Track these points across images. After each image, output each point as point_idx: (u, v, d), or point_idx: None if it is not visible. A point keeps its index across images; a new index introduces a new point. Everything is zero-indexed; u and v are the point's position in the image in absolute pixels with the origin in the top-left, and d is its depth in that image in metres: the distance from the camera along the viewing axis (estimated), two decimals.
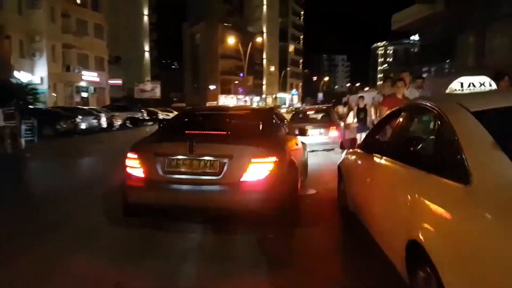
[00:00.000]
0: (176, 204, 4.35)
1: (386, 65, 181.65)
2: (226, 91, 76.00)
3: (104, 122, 24.14)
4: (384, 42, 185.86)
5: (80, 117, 21.67)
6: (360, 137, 11.93)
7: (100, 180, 8.25)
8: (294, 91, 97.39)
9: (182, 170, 4.32)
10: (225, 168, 4.19)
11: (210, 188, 4.28)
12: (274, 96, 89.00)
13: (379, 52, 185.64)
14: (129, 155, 4.51)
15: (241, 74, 63.24)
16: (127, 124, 29.25)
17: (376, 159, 3.78)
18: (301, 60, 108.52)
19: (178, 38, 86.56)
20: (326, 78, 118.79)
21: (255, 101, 75.90)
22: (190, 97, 70.46)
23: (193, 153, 4.25)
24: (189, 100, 64.39)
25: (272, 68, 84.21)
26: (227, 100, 74.57)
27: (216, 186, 4.26)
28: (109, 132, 24.14)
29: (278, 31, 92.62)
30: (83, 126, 21.65)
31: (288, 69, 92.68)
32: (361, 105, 12.16)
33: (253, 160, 4.22)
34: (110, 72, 47.15)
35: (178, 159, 4.33)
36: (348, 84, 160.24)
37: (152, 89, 55.77)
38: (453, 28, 25.93)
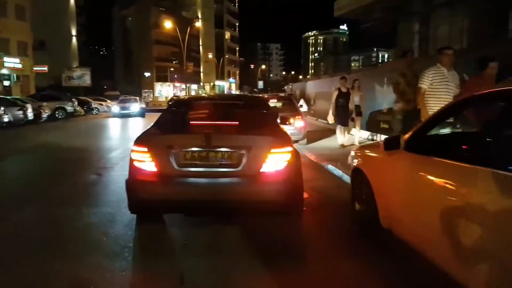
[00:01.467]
0: (191, 199, 4.15)
1: (316, 54, 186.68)
2: (162, 78, 73.43)
3: (30, 113, 21.46)
4: (315, 31, 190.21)
5: (2, 108, 19.05)
6: (341, 131, 11.17)
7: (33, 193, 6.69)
8: (231, 79, 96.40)
9: (198, 163, 4.17)
10: (244, 159, 4.11)
11: (228, 181, 4.16)
12: (212, 84, 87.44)
13: (310, 41, 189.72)
14: (137, 148, 4.27)
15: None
16: (57, 115, 26.49)
17: (450, 166, 2.85)
18: (237, 48, 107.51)
19: (108, 22, 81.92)
20: (263, 66, 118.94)
21: (193, 89, 73.94)
22: (123, 85, 67.02)
23: (210, 144, 4.11)
24: (122, 88, 61.19)
25: (210, 55, 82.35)
26: (163, 88, 72.15)
27: (235, 179, 4.15)
28: (38, 125, 21.49)
29: (213, 17, 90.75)
30: (6, 118, 19.07)
31: (226, 56, 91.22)
32: (343, 90, 10.95)
33: (272, 150, 4.15)
34: (35, 58, 43.40)
35: (193, 152, 4.17)
36: (284, 73, 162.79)
37: (81, 76, 52.19)
38: (397, 15, 26.17)
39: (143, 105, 32.54)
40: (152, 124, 5.01)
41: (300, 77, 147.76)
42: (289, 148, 4.28)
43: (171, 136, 4.37)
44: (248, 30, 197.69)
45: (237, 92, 69.53)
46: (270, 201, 4.17)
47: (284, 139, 4.41)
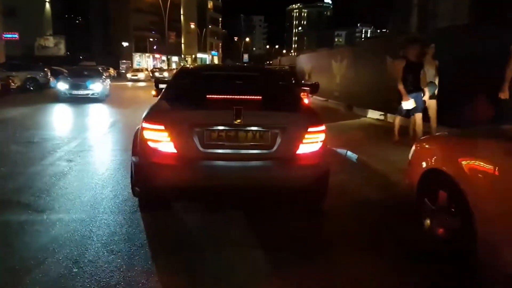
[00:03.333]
0: (218, 185, 3.72)
1: (300, 28, 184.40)
2: (141, 49, 70.70)
3: None
4: (299, 4, 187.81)
5: None
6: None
7: None
8: (214, 51, 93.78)
9: (226, 143, 3.72)
10: (278, 139, 3.72)
11: (260, 164, 3.76)
12: (193, 56, 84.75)
13: (294, 15, 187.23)
14: (150, 125, 3.73)
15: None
16: (28, 87, 24.36)
17: None
18: (220, 19, 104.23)
19: None
20: (247, 39, 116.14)
21: (174, 61, 71.50)
22: (100, 55, 64.10)
23: (240, 122, 3.63)
24: (99, 58, 58.49)
25: (192, 26, 79.40)
26: (142, 59, 69.76)
27: (268, 162, 3.75)
28: (5, 97, 19.41)
29: None
30: None
31: (210, 27, 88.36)
32: (413, 59, 7.36)
33: (309, 129, 3.79)
34: (5, 25, 40.34)
35: (220, 131, 3.71)
36: (267, 46, 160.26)
37: (55, 45, 49.38)
38: None
39: (107, 83, 20.69)
40: (159, 97, 4.36)
41: (284, 51, 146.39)
42: (323, 127, 3.88)
43: (194, 112, 3.78)
44: (231, 0, 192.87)
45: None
46: (305, 187, 3.77)
47: (318, 116, 3.99)
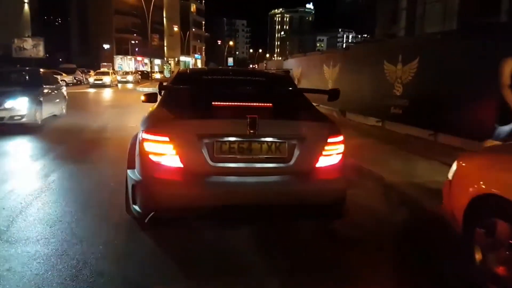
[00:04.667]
0: (230, 203, 3.25)
1: (283, 33, 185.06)
2: (123, 51, 69.48)
3: None
4: (281, 9, 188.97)
5: None
6: None
7: None
8: (197, 54, 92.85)
9: (239, 157, 3.29)
10: (296, 151, 3.34)
11: (277, 179, 3.36)
12: (176, 59, 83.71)
13: (277, 19, 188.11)
14: (152, 136, 3.27)
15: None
16: None
17: None
18: (203, 22, 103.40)
19: None
20: (231, 43, 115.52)
21: (157, 64, 70.43)
22: (80, 57, 62.70)
23: (255, 133, 3.20)
24: (79, 60, 57.18)
25: (175, 28, 78.39)
26: (124, 62, 68.64)
27: (285, 177, 3.37)
28: None
29: None
30: None
31: (193, 30, 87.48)
32: None
33: (329, 140, 3.43)
34: None
35: (232, 142, 3.28)
36: (251, 50, 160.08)
37: (33, 46, 47.93)
38: None
39: (59, 95, 12.85)
40: (158, 104, 3.96)
41: (267, 55, 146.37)
42: (342, 137, 3.55)
43: (202, 122, 3.35)
44: (214, 3, 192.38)
45: None
46: (324, 204, 3.45)
47: (337, 126, 3.63)
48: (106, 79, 36.17)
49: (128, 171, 3.60)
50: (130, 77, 46.49)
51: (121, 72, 49.61)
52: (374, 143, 8.14)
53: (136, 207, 3.41)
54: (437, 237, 3.87)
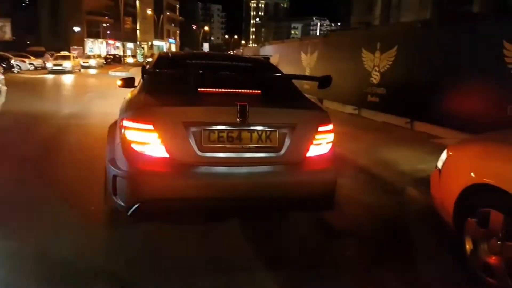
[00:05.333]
0: (219, 195, 3.11)
1: (258, 19, 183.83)
2: (94, 34, 67.49)
3: None
4: None
5: None
6: None
7: None
8: (171, 39, 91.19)
9: (228, 146, 3.14)
10: (287, 140, 3.24)
11: (268, 170, 3.22)
12: (149, 43, 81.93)
13: (252, 5, 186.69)
14: (135, 124, 3.07)
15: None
16: None
17: None
18: (177, 5, 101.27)
19: None
20: (206, 28, 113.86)
21: (129, 48, 68.84)
22: (49, 40, 60.54)
23: (245, 121, 3.08)
24: (48, 43, 55.19)
25: (149, 11, 76.53)
26: (95, 46, 66.78)
27: (276, 167, 3.25)
28: None
29: None
30: None
31: (168, 13, 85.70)
32: None
33: (320, 128, 3.34)
34: None
35: (220, 131, 3.13)
36: (226, 36, 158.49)
37: (0, 28, 45.95)
38: None
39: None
40: (138, 89, 3.70)
41: (243, 42, 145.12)
42: (332, 126, 3.46)
43: (190, 109, 3.15)
44: None
45: None
46: (316, 195, 3.32)
47: (327, 114, 3.51)
48: (67, 64, 31.25)
49: (108, 162, 3.38)
50: (92, 62, 41.47)
51: (81, 55, 43.56)
52: (353, 131, 8.13)
53: (118, 200, 3.20)
54: (425, 227, 3.88)
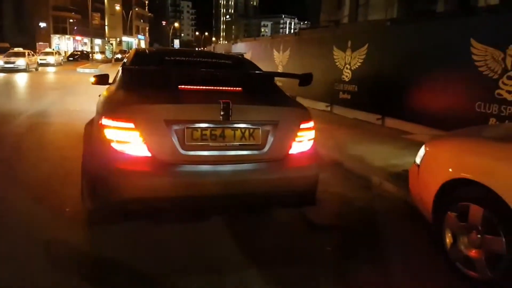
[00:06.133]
0: (202, 195, 3.08)
1: (228, 16, 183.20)
2: (61, 30, 65.65)
3: None
4: None
5: None
6: None
7: None
8: (141, 35, 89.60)
9: (211, 144, 3.09)
10: (270, 138, 3.23)
11: (251, 168, 3.20)
12: (118, 39, 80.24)
13: (222, 2, 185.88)
14: (116, 123, 2.96)
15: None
16: None
17: None
18: (147, 1, 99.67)
19: None
20: (176, 24, 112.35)
21: (97, 44, 67.22)
22: (14, 36, 58.45)
23: (228, 119, 3.05)
24: (12, 39, 53.28)
25: (117, 7, 74.90)
26: (62, 42, 64.95)
27: (259, 164, 3.23)
28: None
29: None
30: None
31: (137, 10, 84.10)
32: None
33: (302, 125, 3.36)
34: None
35: (203, 129, 3.07)
36: (197, 33, 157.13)
37: None
38: None
39: None
40: (116, 86, 3.57)
41: (214, 39, 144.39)
42: (313, 123, 3.48)
43: (171, 107, 3.09)
44: None
45: None
46: (298, 192, 3.36)
47: (308, 111, 3.53)
48: (20, 62, 27.51)
49: (85, 161, 3.28)
50: (50, 59, 36.54)
51: (38, 53, 37.64)
52: (326, 128, 8.20)
53: (96, 200, 3.11)
54: (402, 221, 3.94)
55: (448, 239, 2.90)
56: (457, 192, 2.82)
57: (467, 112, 6.57)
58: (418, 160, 3.34)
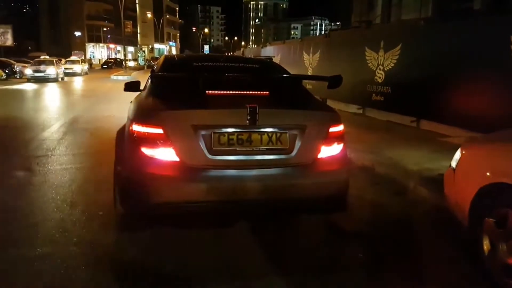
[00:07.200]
0: (230, 198, 3.10)
1: (257, 20, 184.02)
2: (95, 38, 67.75)
3: None
4: None
5: None
6: None
7: None
8: (172, 42, 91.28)
9: (238, 149, 3.09)
10: (298, 142, 3.19)
11: (279, 172, 3.18)
12: (150, 46, 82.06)
13: (251, 6, 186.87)
14: (145, 129, 3.03)
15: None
16: None
17: None
18: (177, 8, 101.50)
19: None
20: (206, 30, 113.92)
21: (130, 52, 69.00)
22: (50, 46, 60.75)
23: (255, 123, 3.05)
24: (49, 49, 55.39)
25: (149, 15, 76.60)
26: (96, 50, 66.99)
27: (287, 169, 3.20)
28: None
29: None
30: None
31: (167, 16, 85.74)
32: None
33: (331, 129, 3.30)
34: None
35: (230, 133, 3.09)
36: (226, 38, 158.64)
37: (1, 34, 45.93)
38: None
39: None
40: (146, 93, 3.67)
41: (243, 43, 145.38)
42: (343, 126, 3.42)
43: (199, 112, 3.12)
44: None
45: None
46: (327, 197, 3.28)
47: (338, 114, 3.48)
48: (50, 71, 25.51)
49: (118, 167, 3.36)
50: (77, 68, 34.11)
51: (64, 61, 34.47)
52: (357, 131, 8.06)
53: (127, 204, 3.19)
54: (438, 227, 3.82)
55: (486, 246, 2.78)
56: (496, 197, 2.70)
57: (507, 113, 6.30)
58: (453, 164, 3.23)
